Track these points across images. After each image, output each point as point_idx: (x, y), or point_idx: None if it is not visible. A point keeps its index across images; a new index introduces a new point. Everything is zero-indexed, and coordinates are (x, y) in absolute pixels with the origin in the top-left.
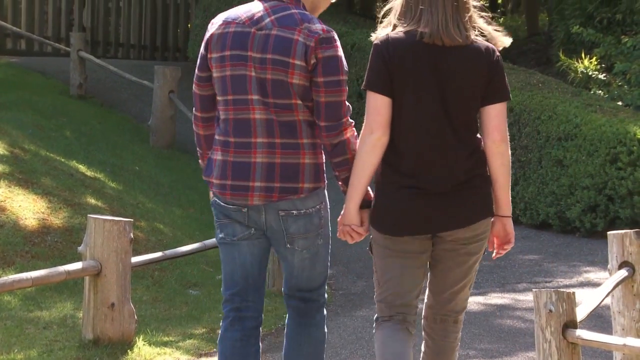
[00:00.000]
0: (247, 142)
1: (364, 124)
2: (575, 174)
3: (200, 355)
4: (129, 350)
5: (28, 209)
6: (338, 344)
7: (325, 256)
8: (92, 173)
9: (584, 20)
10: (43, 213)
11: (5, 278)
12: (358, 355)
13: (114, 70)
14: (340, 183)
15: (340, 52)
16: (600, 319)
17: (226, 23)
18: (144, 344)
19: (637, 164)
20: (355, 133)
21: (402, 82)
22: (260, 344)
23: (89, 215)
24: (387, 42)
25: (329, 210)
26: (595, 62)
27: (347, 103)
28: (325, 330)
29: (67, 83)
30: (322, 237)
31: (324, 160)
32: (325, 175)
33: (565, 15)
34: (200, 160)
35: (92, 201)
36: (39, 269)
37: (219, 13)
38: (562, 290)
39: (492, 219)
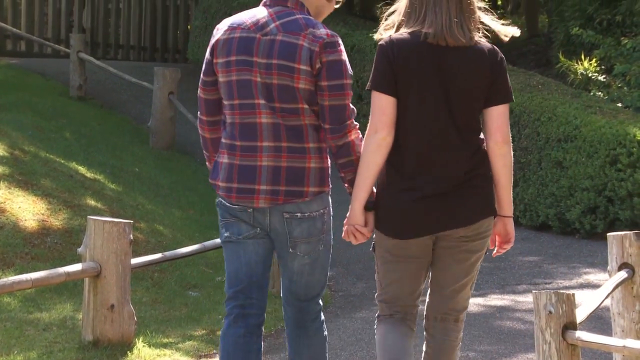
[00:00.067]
0: (254, 146)
1: (369, 124)
2: (575, 175)
3: (200, 357)
4: (128, 352)
5: (28, 210)
6: (338, 345)
7: (325, 264)
8: (92, 174)
9: (584, 21)
10: (43, 214)
11: (5, 279)
12: (358, 357)
13: (114, 72)
14: (346, 185)
15: (344, 56)
16: (600, 321)
17: (231, 28)
18: (143, 346)
19: (637, 166)
20: (360, 135)
21: (406, 82)
22: (262, 342)
23: (88, 216)
24: (392, 42)
25: (332, 217)
26: (595, 64)
27: (352, 106)
28: (325, 333)
29: (67, 84)
30: (323, 243)
31: (330, 165)
32: (330, 179)
33: (565, 17)
34: (207, 163)
35: (92, 203)
36: (39, 270)
37: (219, 15)
38: (561, 291)
39: (494, 218)
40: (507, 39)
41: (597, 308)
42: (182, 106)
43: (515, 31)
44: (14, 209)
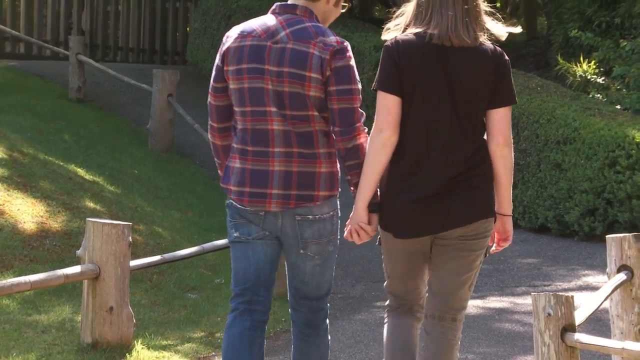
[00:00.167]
0: (265, 151)
1: (374, 124)
2: (573, 177)
3: (199, 359)
4: (127, 354)
5: (27, 212)
6: (336, 347)
7: (332, 264)
8: (91, 176)
9: (583, 24)
10: (42, 217)
11: (3, 282)
12: (357, 359)
13: (113, 74)
14: (352, 188)
15: (353, 62)
16: (598, 323)
17: (242, 36)
18: (142, 348)
19: (635, 168)
20: (369, 139)
21: (410, 82)
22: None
23: (87, 218)
24: (397, 43)
25: (339, 219)
26: (594, 66)
27: (361, 110)
28: (329, 337)
29: (66, 86)
30: (332, 244)
31: (339, 169)
32: (339, 183)
33: (564, 19)
34: (219, 171)
35: (91, 205)
36: (38, 272)
37: (218, 17)
38: (560, 293)
39: (493, 219)
40: (503, 39)
41: (596, 310)
42: (181, 108)
43: (513, 30)
44: (12, 211)
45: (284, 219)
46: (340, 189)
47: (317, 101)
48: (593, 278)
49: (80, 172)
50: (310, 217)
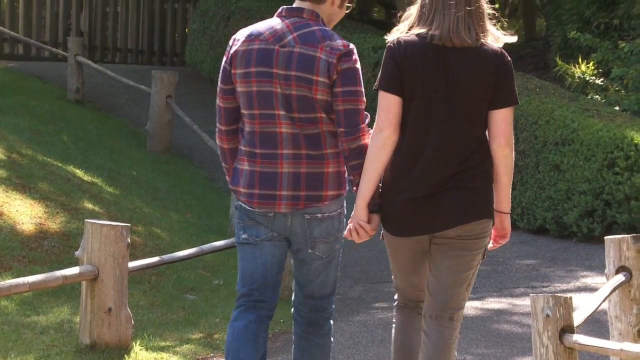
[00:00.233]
0: (274, 154)
1: (375, 123)
2: (572, 178)
3: None
4: (125, 355)
5: (25, 213)
6: (335, 348)
7: (338, 264)
8: (90, 178)
9: (581, 25)
10: (40, 218)
11: (2, 283)
12: None
13: (112, 75)
14: (354, 188)
15: (358, 65)
16: (597, 324)
17: (250, 40)
18: (140, 349)
19: (634, 169)
20: (370, 138)
21: (411, 82)
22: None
23: (86, 220)
24: (399, 44)
25: (345, 217)
26: (593, 67)
27: (366, 112)
28: (332, 339)
29: (65, 88)
30: (339, 242)
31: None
32: (346, 182)
33: (563, 21)
34: (227, 176)
35: (89, 206)
36: (36, 273)
37: (217, 18)
38: (559, 295)
39: (491, 220)
40: (500, 44)
41: (594, 311)
42: (180, 109)
43: (510, 39)
44: (11, 212)
45: (294, 219)
46: (347, 188)
47: (324, 104)
48: (591, 279)
49: (79, 173)
50: (319, 215)
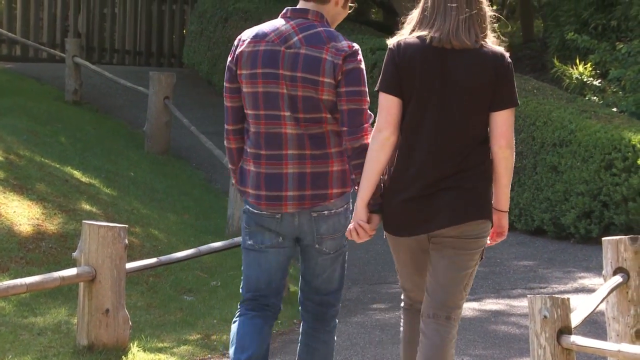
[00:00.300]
0: (279, 154)
1: (375, 124)
2: (570, 180)
3: None
4: (123, 357)
5: (23, 214)
6: None
7: (344, 261)
8: (87, 179)
9: (579, 26)
10: (38, 219)
11: None
12: None
13: (109, 76)
14: (356, 187)
15: (362, 65)
16: (594, 325)
17: (256, 41)
18: (138, 350)
19: (631, 170)
20: (370, 139)
21: (409, 83)
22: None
23: (83, 221)
24: (399, 46)
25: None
26: (590, 69)
27: (369, 112)
28: (335, 338)
29: (62, 89)
30: (346, 238)
31: None
32: (351, 180)
33: (560, 22)
34: (232, 178)
35: (87, 207)
36: (34, 275)
37: (214, 19)
38: (556, 296)
39: (489, 221)
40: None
41: (592, 312)
42: (178, 111)
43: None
44: (8, 213)
45: (301, 218)
46: (353, 186)
47: (329, 104)
48: (589, 280)
49: (77, 174)
50: (326, 212)
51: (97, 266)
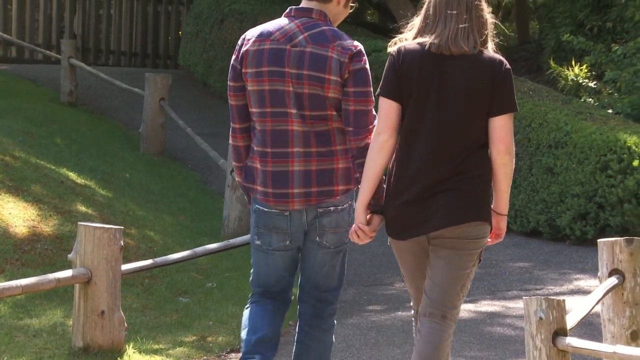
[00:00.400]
0: (285, 152)
1: (375, 128)
2: (565, 181)
3: None
4: (118, 358)
5: (18, 216)
6: None
7: (344, 258)
8: (83, 180)
9: (575, 28)
10: (33, 220)
11: None
12: None
13: (105, 78)
14: (359, 186)
15: (367, 65)
16: (590, 327)
17: (261, 40)
18: (134, 352)
19: (627, 172)
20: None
21: (408, 88)
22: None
23: (79, 222)
24: (399, 52)
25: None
26: (586, 70)
27: (374, 112)
28: (333, 338)
29: (58, 90)
30: (348, 235)
31: None
32: (355, 179)
33: (556, 23)
34: (237, 176)
35: (83, 209)
36: (29, 276)
37: (210, 20)
38: (552, 297)
39: (487, 223)
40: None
41: (587, 314)
42: (173, 112)
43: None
44: (4, 214)
45: (308, 214)
46: (357, 183)
47: (335, 101)
48: (585, 282)
49: (72, 176)
50: (332, 208)
51: (92, 268)
